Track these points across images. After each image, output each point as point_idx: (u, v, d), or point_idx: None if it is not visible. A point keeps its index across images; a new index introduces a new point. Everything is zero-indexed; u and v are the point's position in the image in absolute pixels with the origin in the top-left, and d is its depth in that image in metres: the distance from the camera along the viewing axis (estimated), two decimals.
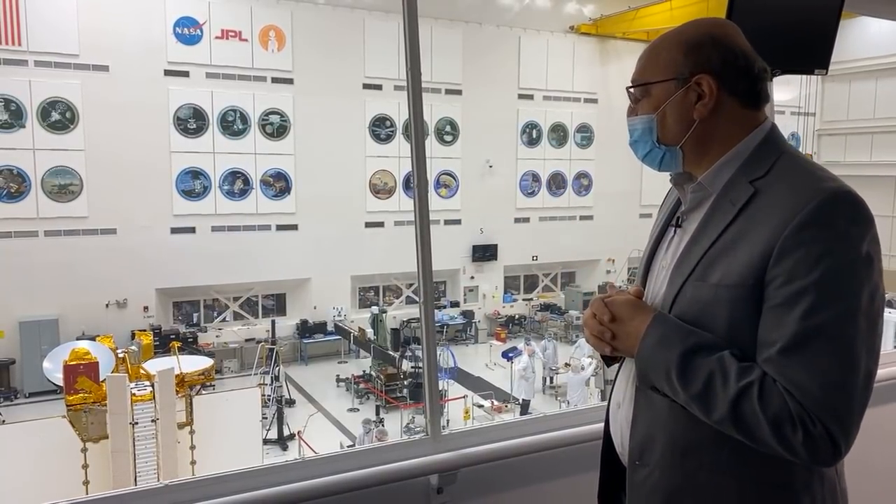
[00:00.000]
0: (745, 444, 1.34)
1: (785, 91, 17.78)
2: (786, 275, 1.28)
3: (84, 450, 9.74)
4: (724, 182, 1.45)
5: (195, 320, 20.16)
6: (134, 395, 9.87)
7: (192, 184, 19.35)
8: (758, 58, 1.47)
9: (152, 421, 9.87)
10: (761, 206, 1.36)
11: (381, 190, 21.76)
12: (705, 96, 1.43)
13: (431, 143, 21.58)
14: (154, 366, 11.10)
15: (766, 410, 1.26)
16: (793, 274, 1.27)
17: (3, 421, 13.70)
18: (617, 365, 1.69)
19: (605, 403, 1.75)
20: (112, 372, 10.55)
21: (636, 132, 1.53)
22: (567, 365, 17.83)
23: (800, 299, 1.26)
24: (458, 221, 22.56)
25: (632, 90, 1.54)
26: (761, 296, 1.32)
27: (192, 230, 19.29)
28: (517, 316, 23.59)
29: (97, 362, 10.35)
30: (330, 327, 20.78)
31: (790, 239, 1.28)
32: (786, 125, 19.78)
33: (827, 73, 2.54)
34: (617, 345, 1.50)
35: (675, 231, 1.56)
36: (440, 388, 15.36)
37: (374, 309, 19.86)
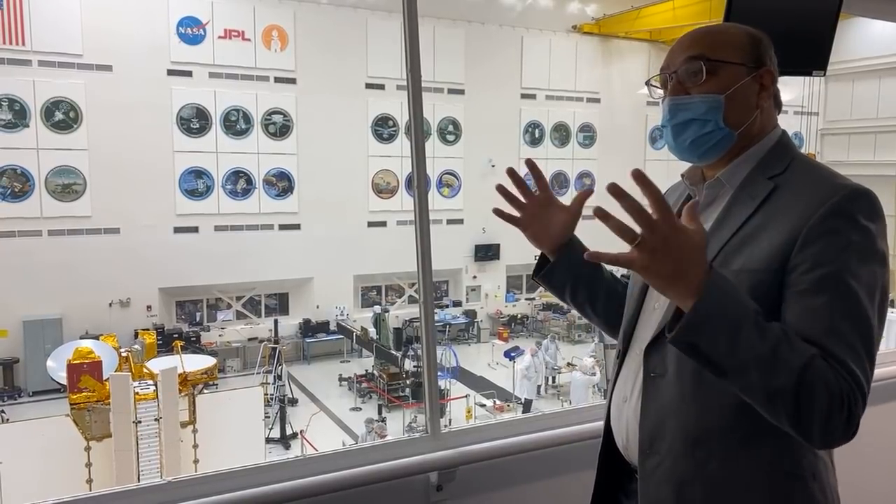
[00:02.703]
0: (756, 432, 1.35)
1: (788, 91, 17.73)
2: (811, 261, 1.31)
3: (87, 448, 9.79)
4: (741, 178, 1.48)
5: (198, 319, 20.21)
6: (137, 393, 9.92)
7: (196, 183, 19.39)
8: None
9: (155, 420, 9.92)
10: (782, 200, 1.40)
11: (383, 190, 21.78)
12: (767, 89, 1.49)
13: (434, 143, 21.57)
14: (157, 365, 11.15)
15: (830, 385, 1.23)
16: (817, 261, 1.30)
17: (7, 419, 13.72)
18: (616, 361, 1.69)
19: (605, 401, 1.74)
20: (115, 371, 10.60)
21: (696, 110, 1.47)
22: (570, 364, 17.84)
23: (824, 286, 1.29)
24: (460, 221, 22.54)
25: (690, 67, 1.47)
26: (782, 281, 1.34)
27: (195, 230, 19.32)
28: (520, 315, 23.58)
29: (100, 361, 10.41)
30: (332, 327, 20.79)
31: (815, 228, 1.32)
32: (789, 125, 19.52)
33: (825, 74, 2.54)
34: (655, 245, 1.21)
35: None
36: (442, 387, 15.44)
37: (377, 308, 19.92)
